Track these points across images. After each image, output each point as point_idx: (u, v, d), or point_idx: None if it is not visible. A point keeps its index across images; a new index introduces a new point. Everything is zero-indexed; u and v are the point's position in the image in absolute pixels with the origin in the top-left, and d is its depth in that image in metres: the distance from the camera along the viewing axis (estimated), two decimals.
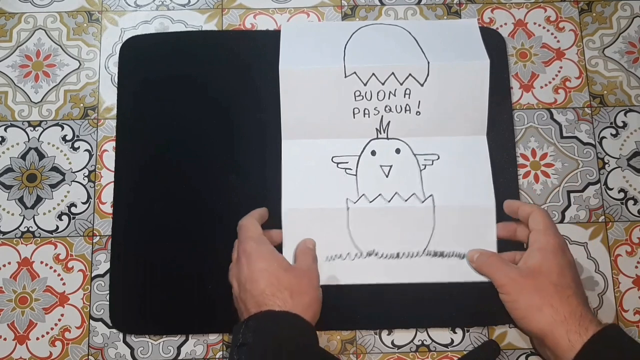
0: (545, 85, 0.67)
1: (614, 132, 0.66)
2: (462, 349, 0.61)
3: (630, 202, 0.64)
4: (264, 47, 0.67)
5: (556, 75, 0.67)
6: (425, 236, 0.61)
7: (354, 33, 0.65)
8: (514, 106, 0.66)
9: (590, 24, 0.69)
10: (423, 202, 0.61)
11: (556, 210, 0.64)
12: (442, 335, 0.61)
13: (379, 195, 0.62)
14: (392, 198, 0.61)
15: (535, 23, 0.69)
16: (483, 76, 0.63)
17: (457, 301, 0.61)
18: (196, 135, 0.65)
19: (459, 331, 0.61)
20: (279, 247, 0.60)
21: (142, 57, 0.67)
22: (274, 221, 0.61)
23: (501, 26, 0.69)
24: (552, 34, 0.69)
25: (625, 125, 0.66)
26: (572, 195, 0.64)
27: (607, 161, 0.65)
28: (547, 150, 0.65)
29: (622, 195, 0.64)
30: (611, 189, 0.65)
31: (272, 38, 0.67)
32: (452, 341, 0.61)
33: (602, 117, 0.66)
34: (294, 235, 0.61)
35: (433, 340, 0.61)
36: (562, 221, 0.64)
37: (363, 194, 0.62)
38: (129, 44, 0.67)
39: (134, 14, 0.69)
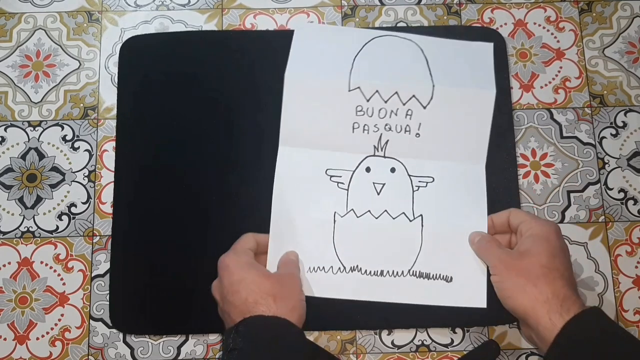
0: (545, 85, 0.67)
1: (614, 132, 0.66)
2: (462, 349, 0.61)
3: (630, 202, 0.64)
4: (264, 47, 0.67)
5: (556, 75, 0.67)
6: (411, 256, 0.60)
7: (366, 44, 0.65)
8: (514, 106, 0.66)
9: (590, 24, 0.69)
10: (412, 221, 0.61)
11: (556, 210, 0.64)
12: (442, 335, 0.61)
13: (368, 211, 0.61)
14: (380, 215, 0.61)
15: (535, 23, 0.69)
16: (487, 106, 0.62)
17: None
18: (196, 136, 0.65)
19: (459, 331, 0.61)
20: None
21: (142, 57, 0.67)
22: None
23: (501, 26, 0.69)
24: (552, 34, 0.69)
25: (625, 125, 0.66)
26: (572, 195, 0.64)
27: (607, 161, 0.65)
28: (547, 150, 0.65)
29: (622, 195, 0.64)
30: (611, 189, 0.65)
31: (272, 38, 0.67)
32: (452, 341, 0.61)
33: (602, 117, 0.66)
34: (280, 242, 0.60)
35: (433, 340, 0.61)
36: (562, 221, 0.64)
37: (352, 209, 0.61)
38: (129, 44, 0.67)
39: (134, 14, 0.69)
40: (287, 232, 0.61)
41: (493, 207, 0.62)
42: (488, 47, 0.66)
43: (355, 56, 0.64)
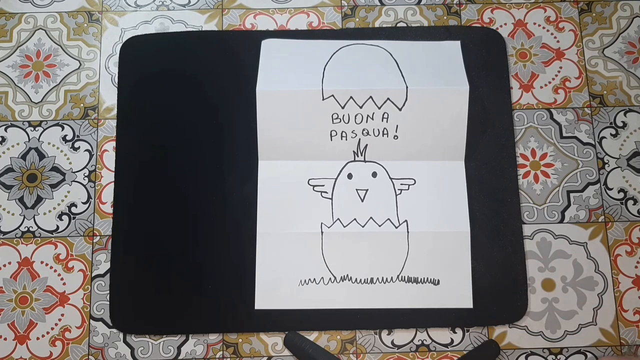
0: (545, 85, 0.67)
1: (613, 132, 0.66)
2: (462, 349, 0.61)
3: (630, 202, 0.64)
4: None
5: (556, 75, 0.67)
6: (399, 262, 0.61)
7: (334, 53, 0.65)
8: (514, 106, 0.66)
9: (590, 24, 0.69)
10: (397, 227, 0.61)
11: (556, 210, 0.64)
12: (442, 335, 0.61)
13: (354, 219, 0.62)
14: (366, 223, 0.62)
15: (535, 23, 0.69)
16: (462, 102, 0.62)
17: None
18: (196, 136, 0.65)
19: (459, 331, 0.61)
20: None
21: (142, 57, 0.67)
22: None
23: (501, 26, 0.69)
24: (552, 34, 0.69)
25: (625, 125, 0.66)
26: (572, 195, 0.64)
27: (606, 161, 0.65)
28: (547, 150, 0.65)
29: (621, 195, 0.64)
30: (611, 189, 0.65)
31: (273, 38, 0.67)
32: (452, 341, 0.61)
33: (601, 117, 0.66)
34: (268, 257, 0.61)
35: (433, 340, 0.61)
36: (561, 221, 0.64)
37: (338, 219, 0.62)
38: (129, 44, 0.67)
39: (134, 14, 0.69)
40: (275, 247, 0.61)
41: (493, 207, 0.63)
42: (456, 45, 0.66)
43: (325, 65, 0.64)
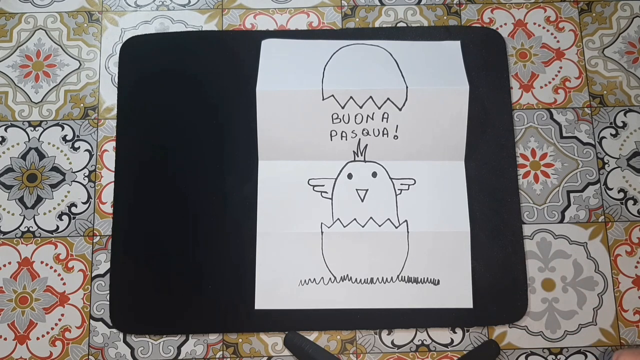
0: (545, 85, 0.67)
1: (613, 132, 0.66)
2: (462, 349, 0.61)
3: (630, 202, 0.64)
4: None
5: (556, 75, 0.67)
6: (399, 262, 0.61)
7: (334, 53, 0.65)
8: (514, 106, 0.66)
9: (590, 24, 0.69)
10: (397, 227, 0.61)
11: (556, 210, 0.64)
12: (442, 335, 0.61)
13: (354, 219, 0.62)
14: (366, 223, 0.62)
15: (535, 23, 0.69)
16: (462, 102, 0.62)
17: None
18: (196, 136, 0.65)
19: (459, 331, 0.61)
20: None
21: (142, 57, 0.67)
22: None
23: (501, 26, 0.69)
24: (552, 34, 0.69)
25: (625, 125, 0.66)
26: (572, 195, 0.64)
27: (606, 161, 0.65)
28: (547, 150, 0.65)
29: (621, 195, 0.64)
30: (611, 189, 0.65)
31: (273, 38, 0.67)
32: (452, 341, 0.61)
33: (601, 117, 0.66)
34: (268, 257, 0.61)
35: (433, 340, 0.61)
36: (561, 221, 0.64)
37: (338, 219, 0.62)
38: (130, 44, 0.67)
39: (134, 14, 0.69)
40: (275, 247, 0.61)
41: (493, 207, 0.63)
42: (456, 45, 0.66)
43: (325, 65, 0.64)
